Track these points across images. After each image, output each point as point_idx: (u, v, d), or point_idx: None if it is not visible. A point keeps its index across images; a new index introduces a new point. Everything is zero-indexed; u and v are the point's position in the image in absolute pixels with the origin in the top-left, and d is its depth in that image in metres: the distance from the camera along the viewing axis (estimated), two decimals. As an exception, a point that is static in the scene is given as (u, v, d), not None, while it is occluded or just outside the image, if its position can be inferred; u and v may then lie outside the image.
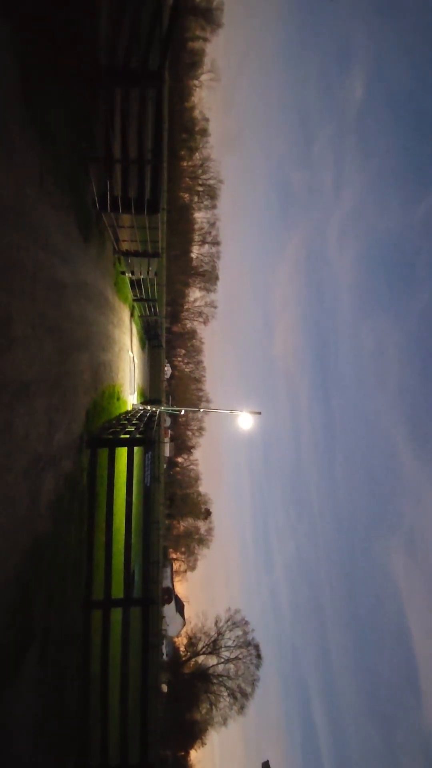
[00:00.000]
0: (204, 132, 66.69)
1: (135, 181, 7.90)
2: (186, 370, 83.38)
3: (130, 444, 8.56)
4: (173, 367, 75.28)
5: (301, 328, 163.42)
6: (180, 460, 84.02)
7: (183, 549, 76.69)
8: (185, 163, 64.83)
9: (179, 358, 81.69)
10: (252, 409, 15.17)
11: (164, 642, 49.96)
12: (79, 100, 6.48)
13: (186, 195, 67.32)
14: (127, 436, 9.35)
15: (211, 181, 69.82)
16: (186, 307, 77.45)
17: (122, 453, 8.72)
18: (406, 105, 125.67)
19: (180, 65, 56.01)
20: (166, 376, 56.98)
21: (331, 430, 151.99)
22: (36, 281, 5.27)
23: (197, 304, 78.54)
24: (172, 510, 70.60)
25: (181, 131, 60.43)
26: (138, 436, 9.07)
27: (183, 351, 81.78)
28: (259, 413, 14.97)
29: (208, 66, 63.05)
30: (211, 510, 77.30)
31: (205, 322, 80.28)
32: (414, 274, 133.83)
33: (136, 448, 8.64)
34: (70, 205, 6.82)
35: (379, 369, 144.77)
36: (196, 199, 69.96)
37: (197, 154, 66.55)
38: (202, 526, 77.04)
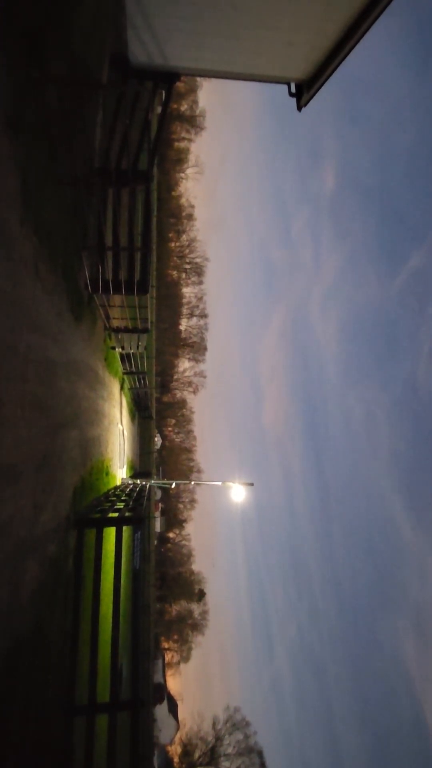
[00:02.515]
0: (190, 217, 72.15)
1: (125, 265, 8.39)
2: (176, 440, 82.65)
3: (118, 523, 8.24)
4: (163, 438, 74.58)
5: (289, 397, 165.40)
6: (171, 535, 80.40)
7: (176, 636, 70.81)
8: (173, 244, 69.25)
9: (169, 428, 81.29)
10: (244, 480, 14.89)
11: (156, 752, 44.30)
12: (73, 198, 7.05)
13: (174, 272, 71.16)
14: (116, 514, 9.02)
15: (198, 260, 74.27)
16: (175, 377, 78.59)
17: (110, 533, 8.36)
18: (372, 193, 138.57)
19: (168, 161, 61.89)
20: (156, 447, 56.21)
21: (326, 500, 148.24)
22: (27, 362, 5.38)
23: (187, 374, 79.89)
24: (163, 591, 66.21)
25: (169, 216, 65.29)
26: (127, 514, 8.77)
27: (173, 421, 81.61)
28: (252, 484, 14.68)
29: (193, 161, 69.62)
30: (205, 590, 72.58)
31: (194, 392, 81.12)
32: (395, 343, 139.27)
33: (125, 527, 8.31)
34: (63, 289, 7.16)
35: (370, 436, 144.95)
36: (184, 276, 73.90)
37: (184, 236, 71.39)
38: (195, 609, 71.94)
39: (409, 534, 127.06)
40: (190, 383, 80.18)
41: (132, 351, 15.84)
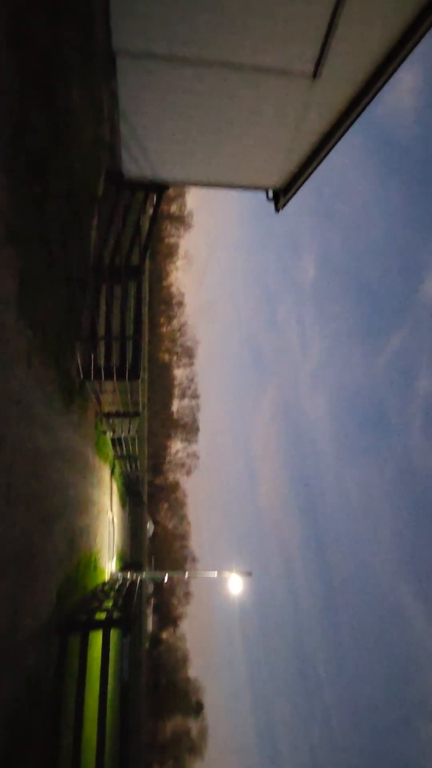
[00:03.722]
0: (180, 303, 76.00)
1: (117, 352, 8.64)
2: (169, 526, 79.05)
3: (105, 626, 7.55)
4: (155, 524, 71.25)
5: (285, 477, 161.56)
6: (165, 635, 73.48)
7: (170, 763, 61.63)
8: (165, 329, 72.06)
9: (162, 513, 78.13)
10: (241, 568, 14.03)
11: None
12: (68, 294, 7.43)
13: (166, 355, 73.19)
14: (104, 614, 8.30)
15: (188, 343, 76.92)
16: (168, 459, 77.28)
17: (97, 638, 7.61)
18: (351, 280, 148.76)
19: (158, 254, 66.55)
20: (148, 535, 53.47)
21: (329, 589, 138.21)
22: (16, 452, 5.28)
23: (179, 455, 78.69)
24: (154, 699, 58.87)
25: (160, 303, 68.69)
26: (116, 614, 8.07)
27: (166, 505, 78.74)
28: (250, 574, 13.80)
29: (182, 254, 74.96)
30: (203, 702, 64.63)
31: (187, 473, 79.38)
32: (386, 420, 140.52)
33: (112, 631, 7.59)
34: (55, 378, 7.27)
35: (370, 518, 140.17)
36: (175, 358, 75.97)
37: (175, 320, 74.62)
38: (193, 726, 63.57)
39: (422, 625, 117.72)
40: (182, 465, 78.76)
41: (123, 435, 15.71)
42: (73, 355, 8.60)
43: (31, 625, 5.84)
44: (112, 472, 18.72)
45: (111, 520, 17.25)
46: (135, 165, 10.68)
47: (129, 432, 15.72)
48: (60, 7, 5.88)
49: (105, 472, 16.17)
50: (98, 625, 7.53)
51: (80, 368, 9.04)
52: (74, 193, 7.17)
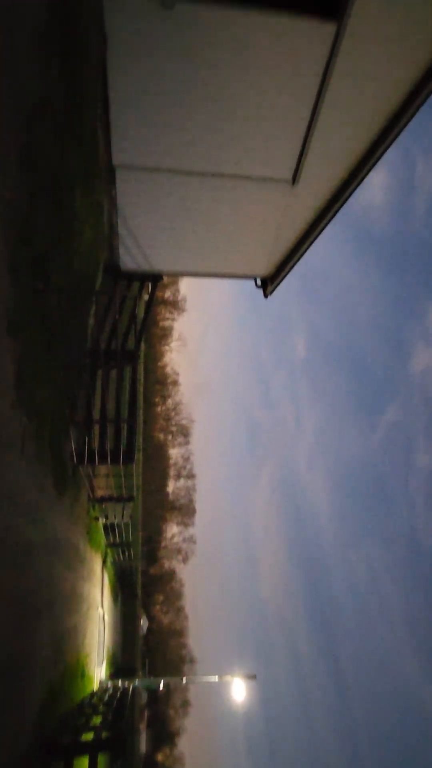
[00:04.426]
0: (175, 383, 77.14)
1: (112, 436, 8.58)
2: (165, 621, 72.85)
3: (93, 750, 6.61)
4: (150, 619, 65.55)
5: (287, 561, 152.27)
6: (160, 758, 64.18)
7: None
8: (159, 408, 72.34)
9: (157, 606, 72.34)
10: (245, 671, 12.69)
11: None
12: (64, 379, 7.55)
13: (161, 434, 72.68)
14: (91, 734, 7.32)
15: (184, 421, 76.80)
16: (163, 544, 73.37)
17: (83, 765, 6.63)
18: (341, 356, 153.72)
19: (153, 336, 68.92)
20: (141, 633, 48.97)
21: (341, 687, 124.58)
22: (2, 545, 4.99)
23: (175, 540, 74.90)
24: None
25: (155, 383, 69.70)
26: (104, 734, 7.11)
27: (161, 597, 73.22)
28: (254, 677, 12.46)
29: (177, 336, 77.63)
30: None
31: (184, 560, 74.96)
32: (388, 497, 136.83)
33: (101, 756, 6.64)
34: (48, 463, 7.12)
35: (379, 602, 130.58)
36: (170, 437, 75.34)
37: (170, 400, 75.19)
38: None
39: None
40: (179, 551, 74.66)
41: (117, 521, 15.05)
42: (67, 439, 8.52)
43: (5, 753, 5.10)
44: (104, 562, 17.62)
45: (101, 617, 15.89)
46: (131, 258, 11.48)
47: (123, 517, 15.07)
48: (67, 128, 6.70)
49: (96, 562, 15.22)
50: (84, 749, 6.60)
51: (74, 453, 8.91)
52: (74, 286, 7.59)
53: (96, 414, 8.40)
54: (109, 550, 18.67)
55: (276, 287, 11.80)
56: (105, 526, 15.47)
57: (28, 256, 5.34)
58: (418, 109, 7.70)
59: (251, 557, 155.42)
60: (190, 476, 77.20)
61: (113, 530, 16.14)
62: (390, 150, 8.48)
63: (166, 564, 74.15)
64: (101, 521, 14.55)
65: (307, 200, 9.33)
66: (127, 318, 10.58)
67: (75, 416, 8.16)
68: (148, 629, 61.20)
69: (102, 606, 16.19)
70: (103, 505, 13.38)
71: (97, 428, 8.47)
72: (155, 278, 11.51)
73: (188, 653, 73.34)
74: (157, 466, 68.15)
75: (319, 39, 6.65)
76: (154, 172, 8.63)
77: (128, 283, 11.15)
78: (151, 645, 64.23)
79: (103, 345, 9.57)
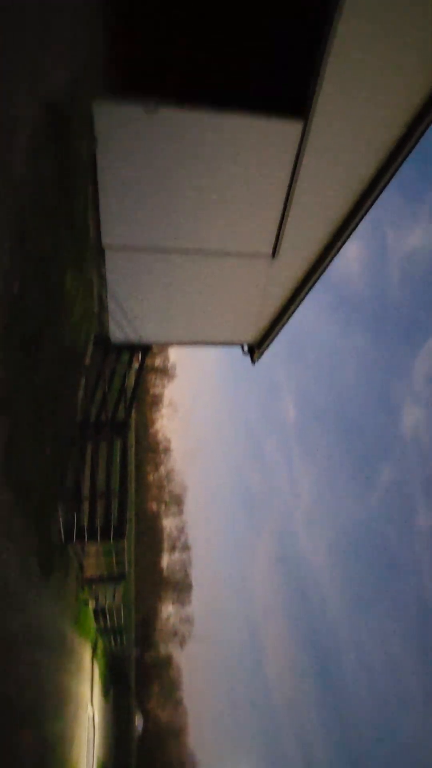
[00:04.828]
0: (167, 450, 76.04)
1: (102, 511, 8.25)
2: (162, 716, 65.76)
3: None
4: (146, 717, 58.96)
5: (292, 641, 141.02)
6: None
7: None
8: (151, 477, 70.63)
9: (153, 699, 65.60)
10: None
11: None
12: (54, 453, 7.39)
13: (153, 504, 70.32)
14: None
15: (177, 490, 74.76)
16: (159, 627, 68.13)
17: None
18: (331, 417, 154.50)
19: (144, 405, 68.96)
20: (136, 734, 43.84)
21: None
22: (-20, 644, 4.56)
23: (171, 621, 69.74)
24: None
25: (146, 452, 68.64)
26: None
27: (157, 688, 66.66)
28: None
29: (167, 403, 77.78)
30: None
31: (181, 644, 69.26)
32: (393, 561, 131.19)
33: None
34: (34, 544, 6.74)
35: (395, 678, 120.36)
36: (163, 507, 72.84)
37: (162, 467, 73.62)
38: None
39: None
40: (175, 633, 69.20)
41: (108, 604, 14.04)
42: (55, 516, 8.15)
43: None
44: (94, 652, 16.15)
45: (91, 718, 14.28)
46: (121, 331, 11.76)
47: (114, 599, 14.08)
48: (59, 216, 7.13)
49: (86, 652, 13.95)
50: None
51: (63, 530, 8.49)
52: (64, 360, 7.68)
53: (85, 489, 8.13)
54: (99, 638, 17.21)
55: (263, 354, 12.08)
56: (95, 611, 14.39)
57: (19, 334, 5.43)
58: (385, 185, 8.44)
59: (253, 634, 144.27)
60: (185, 548, 73.70)
61: (104, 615, 15.00)
62: (362, 223, 9.15)
63: (162, 649, 68.31)
64: (91, 605, 13.56)
65: (287, 272, 9.84)
66: (118, 389, 10.63)
67: (64, 492, 7.88)
68: (143, 729, 54.84)
69: (92, 704, 14.58)
70: (93, 587, 12.54)
71: (86, 504, 8.15)
72: (145, 349, 11.73)
73: (189, 755, 65.42)
74: (150, 539, 65.15)
75: (288, 135, 7.41)
76: (141, 251, 9.12)
77: (118, 354, 11.33)
78: (147, 747, 57.16)
79: (93, 417, 9.50)
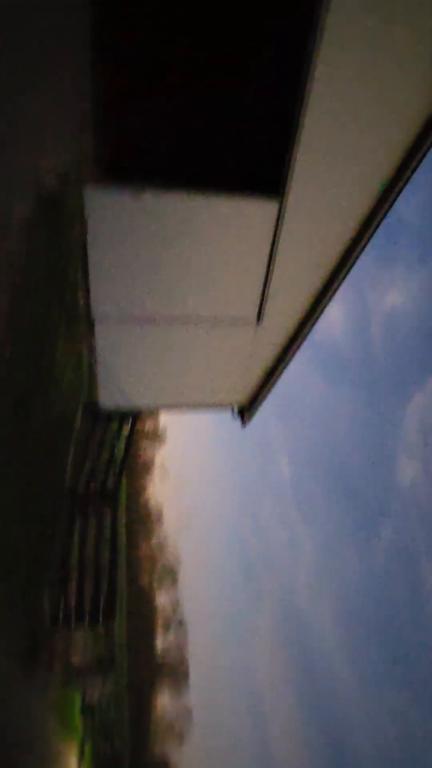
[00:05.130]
0: (159, 519, 73.36)
1: (91, 591, 7.74)
2: None
3: None
4: None
5: (302, 721, 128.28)
6: None
7: None
8: (143, 548, 67.38)
9: None
10: None
11: None
12: (39, 531, 7.05)
13: (146, 578, 66.45)
14: None
15: (170, 562, 71.08)
16: (154, 722, 61.50)
17: None
18: (326, 477, 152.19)
19: (134, 472, 67.42)
20: None
21: None
22: None
23: (167, 714, 63.18)
24: None
25: (137, 522, 66.03)
26: None
27: (154, 798, 58.76)
28: None
29: (158, 467, 76.24)
30: None
31: (179, 741, 62.25)
32: (401, 623, 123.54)
33: None
34: (16, 630, 6.21)
35: (413, 763, 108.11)
36: (156, 581, 68.82)
37: (154, 538, 70.56)
38: None
39: None
40: (171, 727, 62.41)
41: (97, 698, 12.74)
42: (40, 598, 7.59)
43: None
44: (81, 757, 14.36)
45: None
46: (110, 398, 11.77)
47: (103, 692, 12.79)
48: (49, 292, 7.39)
49: (71, 759, 12.39)
50: None
51: (47, 615, 7.88)
52: (52, 430, 7.59)
53: (73, 567, 7.67)
54: (88, 738, 15.39)
55: (253, 416, 12.09)
56: (83, 708, 13.02)
57: (7, 404, 5.38)
58: (361, 251, 9.00)
59: (257, 714, 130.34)
60: (181, 626, 68.63)
61: (92, 713, 13.56)
62: (342, 286, 9.62)
63: (158, 749, 61.12)
64: (78, 701, 12.28)
65: (273, 335, 10.15)
66: (107, 457, 10.42)
67: (50, 571, 7.42)
68: None
69: None
70: (81, 678, 11.43)
71: (73, 584, 7.65)
72: (135, 415, 11.68)
73: None
74: (142, 619, 60.69)
75: (265, 212, 8.02)
76: (130, 321, 9.40)
77: (108, 421, 11.25)
78: None
79: (81, 488, 9.21)
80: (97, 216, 7.63)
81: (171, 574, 70.29)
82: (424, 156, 8.00)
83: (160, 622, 66.68)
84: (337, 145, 7.71)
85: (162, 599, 68.72)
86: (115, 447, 9.69)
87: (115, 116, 10.75)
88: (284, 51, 8.20)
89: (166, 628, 67.36)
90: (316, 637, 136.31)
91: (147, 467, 72.95)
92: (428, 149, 7.86)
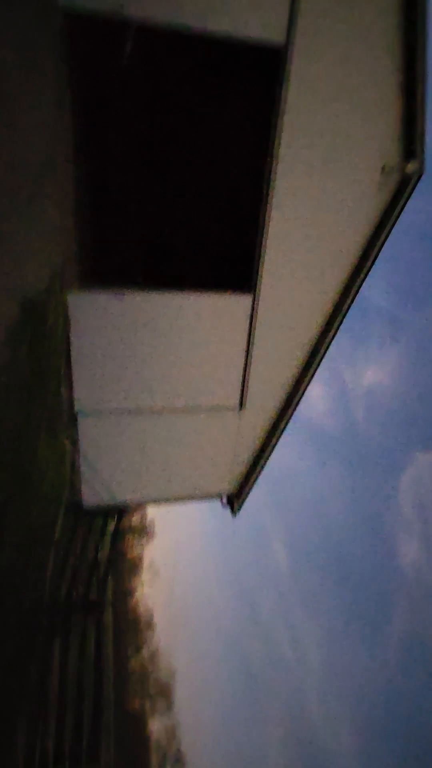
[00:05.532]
0: (149, 625, 66.87)
1: (72, 725, 6.72)
2: None
3: None
4: None
5: None
6: None
7: None
8: (133, 662, 60.41)
9: None
10: None
11: None
12: (14, 653, 6.32)
13: (136, 700, 58.70)
14: None
15: (163, 677, 63.55)
16: None
17: None
18: (326, 564, 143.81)
19: (121, 573, 62.66)
20: None
21: None
22: None
23: None
24: None
25: (126, 631, 59.93)
26: None
27: None
28: None
29: (147, 566, 71.21)
30: None
31: None
32: (423, 726, 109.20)
33: None
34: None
35: None
36: (148, 704, 60.81)
37: (144, 649, 63.79)
38: None
39: None
40: None
41: None
42: (14, 739, 6.53)
43: None
44: None
45: None
46: (94, 494, 11.32)
47: None
48: (32, 389, 7.42)
49: None
50: None
51: (21, 760, 6.73)
52: (32, 535, 7.15)
53: (53, 696, 6.73)
54: None
55: (242, 504, 11.71)
56: None
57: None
58: (335, 333, 9.48)
59: None
60: (178, 762, 59.33)
61: None
62: (320, 367, 9.97)
63: None
64: None
65: (257, 420, 10.23)
66: (91, 562, 9.73)
67: (26, 703, 6.48)
68: None
69: None
70: None
71: (53, 718, 6.65)
72: (120, 511, 11.18)
73: None
74: (133, 759, 52.35)
75: (239, 305, 8.57)
76: (113, 414, 9.41)
77: (91, 520, 10.70)
78: None
79: (62, 598, 8.47)
80: (80, 317, 7.99)
81: (165, 695, 62.42)
82: (381, 248, 8.86)
83: (154, 756, 57.63)
84: (301, 241, 8.52)
85: (156, 726, 60.14)
86: (100, 549, 9.11)
87: (95, 225, 11.76)
88: (246, 161, 9.38)
89: (162, 763, 58.10)
90: (330, 753, 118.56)
91: (135, 567, 68.15)
92: (383, 243, 8.72)
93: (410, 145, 7.98)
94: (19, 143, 5.76)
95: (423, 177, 8.04)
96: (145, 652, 63.59)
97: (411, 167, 7.88)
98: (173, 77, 11.15)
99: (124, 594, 61.62)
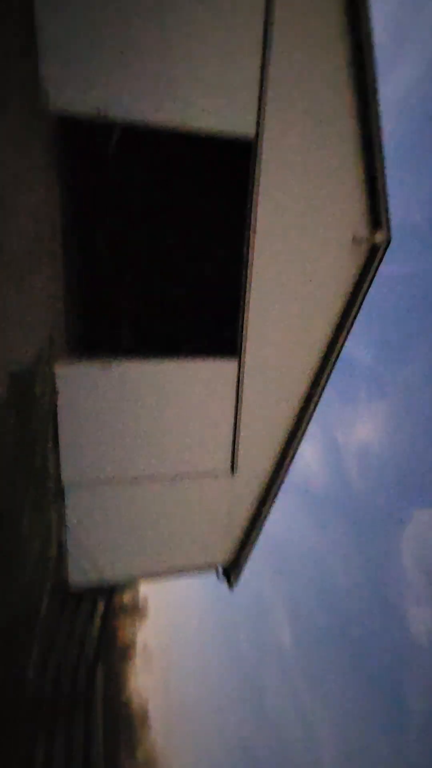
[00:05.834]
0: (144, 721, 60.61)
1: None
2: None
3: None
4: None
5: None
6: None
7: None
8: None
9: None
10: None
11: None
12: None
13: None
14: None
15: (161, 784, 56.32)
16: None
17: None
18: (332, 638, 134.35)
19: (113, 659, 57.59)
20: None
21: None
22: None
23: None
24: None
25: (118, 730, 53.97)
26: None
27: None
28: None
29: (140, 650, 65.80)
30: None
31: None
32: None
33: None
34: None
35: None
36: None
37: (140, 749, 57.25)
38: None
39: None
40: None
41: None
42: None
43: None
44: None
45: None
46: (82, 573, 10.69)
47: None
48: (19, 458, 7.22)
49: None
50: None
51: None
52: (12, 621, 6.61)
53: None
54: None
55: (239, 575, 11.12)
56: None
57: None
58: (322, 392, 9.58)
59: None
60: None
61: None
62: (310, 426, 9.97)
63: None
64: None
65: (249, 484, 10.01)
66: (78, 650, 8.95)
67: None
68: None
69: None
70: None
71: None
72: (110, 591, 10.50)
73: None
74: None
75: (226, 370, 8.71)
76: (102, 483, 9.14)
77: (78, 603, 9.99)
78: None
79: (47, 693, 7.69)
80: (67, 388, 8.02)
81: (164, 804, 54.89)
82: (359, 309, 9.26)
83: None
84: (284, 307, 8.88)
85: None
86: (88, 635, 8.42)
87: (83, 297, 12.16)
88: (226, 237, 9.96)
89: None
90: None
91: (127, 651, 62.96)
92: (360, 308, 9.13)
93: (376, 217, 8.65)
94: (9, 222, 6.10)
95: (389, 245, 8.65)
96: (140, 754, 56.96)
97: (379, 237, 8.48)
98: (156, 163, 12.19)
99: (116, 685, 56.25)
